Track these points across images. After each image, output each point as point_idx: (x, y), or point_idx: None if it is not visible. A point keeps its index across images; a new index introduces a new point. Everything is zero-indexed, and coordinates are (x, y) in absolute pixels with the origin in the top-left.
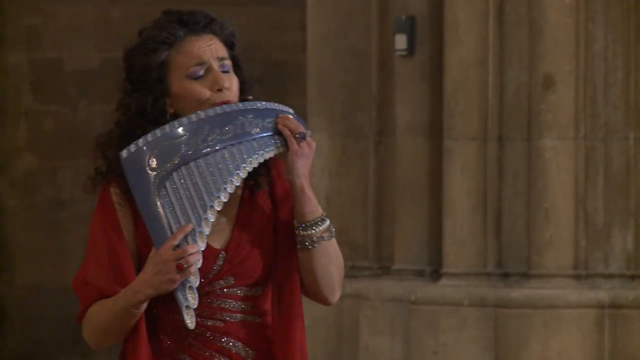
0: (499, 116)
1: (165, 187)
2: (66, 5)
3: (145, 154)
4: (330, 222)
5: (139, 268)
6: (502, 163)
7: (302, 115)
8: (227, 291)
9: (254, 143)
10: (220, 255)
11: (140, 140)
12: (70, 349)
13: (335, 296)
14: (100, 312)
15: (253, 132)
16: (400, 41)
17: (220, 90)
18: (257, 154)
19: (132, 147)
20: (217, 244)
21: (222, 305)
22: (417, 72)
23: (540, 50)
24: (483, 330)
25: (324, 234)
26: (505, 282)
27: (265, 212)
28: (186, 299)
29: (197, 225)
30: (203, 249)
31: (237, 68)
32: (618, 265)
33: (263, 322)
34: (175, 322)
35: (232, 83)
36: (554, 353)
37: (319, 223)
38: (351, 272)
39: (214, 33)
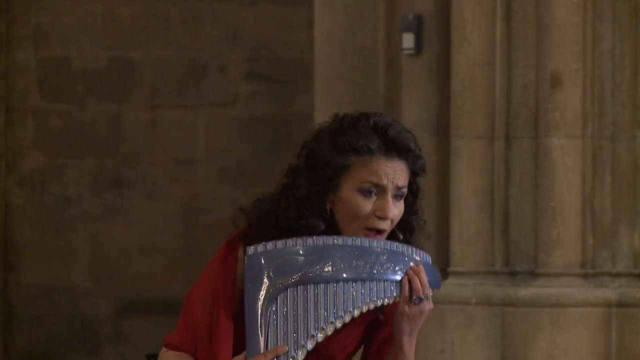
0: (506, 115)
1: (276, 300)
2: (74, 3)
3: (269, 260)
4: None
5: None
6: (509, 161)
7: (309, 113)
8: None
9: (378, 285)
10: None
11: (270, 243)
12: (77, 347)
13: None
14: None
15: (380, 274)
16: (408, 40)
17: (382, 218)
18: (376, 298)
19: (261, 247)
20: None
21: None
22: (424, 70)
23: (548, 49)
24: (490, 328)
25: None
26: (512, 281)
27: (358, 330)
28: None
29: (292, 350)
30: None
31: (412, 197)
32: (625, 264)
33: None
34: None
35: (396, 213)
36: (561, 351)
37: None
38: None
39: (407, 162)
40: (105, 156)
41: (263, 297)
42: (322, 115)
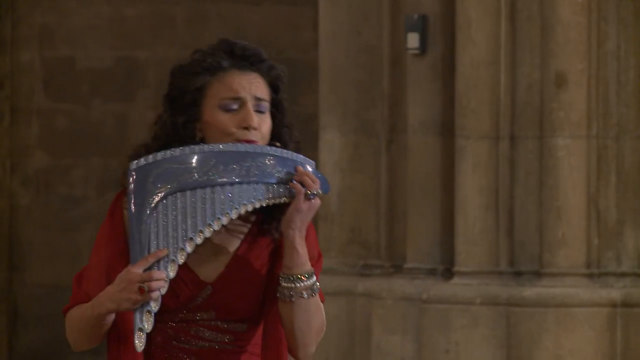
0: (510, 114)
1: (156, 208)
2: (80, 3)
3: (150, 171)
4: (316, 280)
5: None
6: (514, 161)
7: (314, 112)
8: (207, 322)
9: (256, 187)
10: (206, 289)
11: (151, 156)
12: None
13: (306, 354)
14: (76, 316)
15: (257, 176)
16: (412, 39)
17: (246, 128)
18: (255, 200)
19: (142, 161)
20: (206, 277)
21: (199, 334)
22: (429, 70)
23: (552, 49)
24: (495, 328)
25: (304, 291)
26: (517, 281)
27: (264, 257)
28: (142, 321)
29: (172, 253)
30: (172, 277)
31: (277, 112)
32: (630, 264)
33: (244, 349)
34: (150, 342)
35: (262, 124)
36: (566, 351)
37: (302, 279)
38: (363, 271)
39: (260, 72)
40: (111, 156)
41: (144, 206)
42: (327, 115)
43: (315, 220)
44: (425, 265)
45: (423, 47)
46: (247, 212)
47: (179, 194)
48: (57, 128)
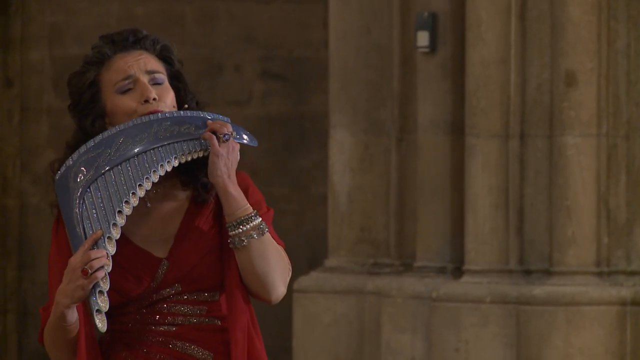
0: (520, 113)
1: (84, 199)
2: (90, 2)
3: (69, 174)
4: (262, 220)
5: None
6: (524, 160)
7: (324, 111)
8: (175, 297)
9: (169, 148)
10: (162, 264)
11: (69, 160)
12: None
13: (276, 294)
14: (47, 331)
15: (167, 138)
16: (422, 38)
17: (147, 101)
18: (170, 158)
19: (63, 169)
20: (160, 253)
21: (172, 310)
22: (439, 69)
23: (563, 48)
24: (505, 327)
25: (252, 232)
26: (527, 279)
27: (209, 221)
28: (97, 302)
29: (106, 231)
30: (112, 253)
31: (178, 83)
32: None
33: (224, 324)
34: (128, 334)
35: (163, 95)
36: (575, 350)
37: (246, 221)
38: (373, 269)
39: (145, 48)
40: None
41: (73, 202)
42: (337, 114)
43: (324, 219)
44: (435, 263)
45: (433, 46)
46: (167, 172)
47: (99, 179)
48: (66, 127)
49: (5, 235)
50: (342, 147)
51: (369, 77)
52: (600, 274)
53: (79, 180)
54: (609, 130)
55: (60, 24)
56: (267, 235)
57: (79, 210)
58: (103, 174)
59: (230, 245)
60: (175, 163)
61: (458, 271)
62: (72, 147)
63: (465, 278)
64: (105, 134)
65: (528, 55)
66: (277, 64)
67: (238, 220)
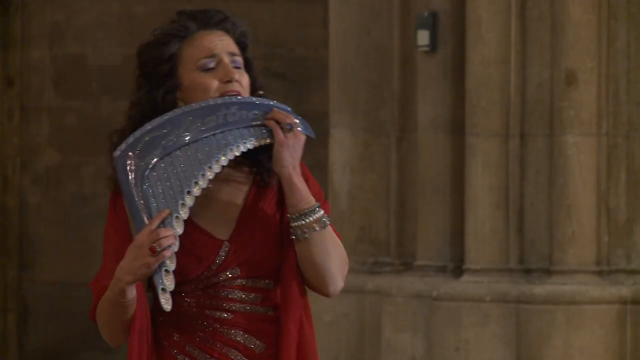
0: (520, 113)
1: (148, 179)
2: (90, 1)
3: (134, 150)
4: (324, 213)
5: None
6: (524, 159)
7: (324, 111)
8: (233, 282)
9: (237, 132)
10: (224, 246)
11: (130, 137)
12: (93, 345)
13: (334, 287)
14: (101, 311)
15: (235, 123)
16: (423, 37)
17: (229, 81)
18: (239, 143)
19: (123, 146)
20: (221, 235)
21: (229, 296)
22: (439, 68)
23: (563, 47)
24: (505, 326)
25: (314, 224)
26: (527, 278)
27: (271, 207)
28: (162, 282)
29: (174, 210)
30: (180, 233)
31: (249, 70)
32: None
33: (277, 314)
34: (182, 316)
35: (242, 78)
36: (575, 349)
37: (309, 214)
38: (373, 268)
39: (226, 30)
40: None
41: (135, 182)
42: (337, 114)
43: None
44: (436, 262)
45: (433, 45)
46: (235, 156)
47: (166, 158)
48: (67, 126)
49: (5, 234)
50: (342, 147)
51: (369, 76)
52: (600, 273)
53: (145, 157)
54: (609, 130)
55: (61, 23)
56: (329, 228)
57: (144, 190)
58: (170, 153)
59: (292, 236)
60: (244, 148)
61: (458, 270)
62: (135, 120)
63: (466, 277)
64: (171, 113)
65: (528, 55)
66: (277, 63)
67: (301, 212)
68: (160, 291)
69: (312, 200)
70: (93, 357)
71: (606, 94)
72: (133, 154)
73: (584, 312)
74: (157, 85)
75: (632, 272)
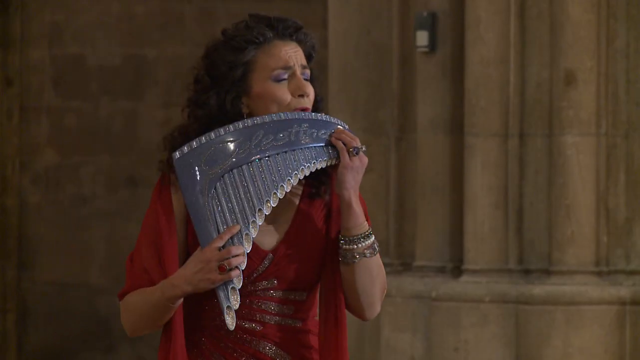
0: (520, 113)
1: (215, 188)
2: (89, 1)
3: (198, 156)
4: (375, 239)
5: (184, 259)
6: (523, 159)
7: (323, 111)
8: (267, 293)
9: (307, 152)
10: (268, 257)
11: (194, 141)
12: (92, 345)
13: (373, 313)
14: (137, 301)
15: (306, 141)
16: (422, 38)
17: (301, 96)
18: (310, 163)
19: (185, 148)
20: (266, 246)
21: (263, 307)
22: (438, 68)
23: (562, 47)
24: (504, 326)
25: (366, 251)
26: (527, 279)
27: (320, 221)
28: (228, 299)
29: (244, 228)
30: (248, 251)
31: (312, 82)
32: (639, 262)
33: (304, 327)
34: (215, 323)
35: (310, 92)
36: (575, 349)
37: (363, 239)
38: None
39: (299, 41)
40: (120, 154)
41: (201, 189)
42: (336, 114)
43: None
44: (435, 263)
45: (432, 45)
46: (305, 175)
47: (235, 171)
48: (66, 126)
49: (5, 234)
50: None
51: (369, 76)
52: (599, 274)
53: (212, 166)
54: (608, 130)
55: (60, 23)
56: (377, 255)
57: (210, 199)
58: (240, 167)
59: (341, 258)
60: (313, 168)
61: (457, 270)
62: (202, 122)
63: (465, 277)
64: (241, 123)
65: (527, 55)
66: None
67: (355, 236)
68: (225, 309)
69: (366, 226)
70: (92, 357)
71: (605, 93)
72: (199, 160)
73: (584, 313)
74: (227, 89)
75: (632, 273)
